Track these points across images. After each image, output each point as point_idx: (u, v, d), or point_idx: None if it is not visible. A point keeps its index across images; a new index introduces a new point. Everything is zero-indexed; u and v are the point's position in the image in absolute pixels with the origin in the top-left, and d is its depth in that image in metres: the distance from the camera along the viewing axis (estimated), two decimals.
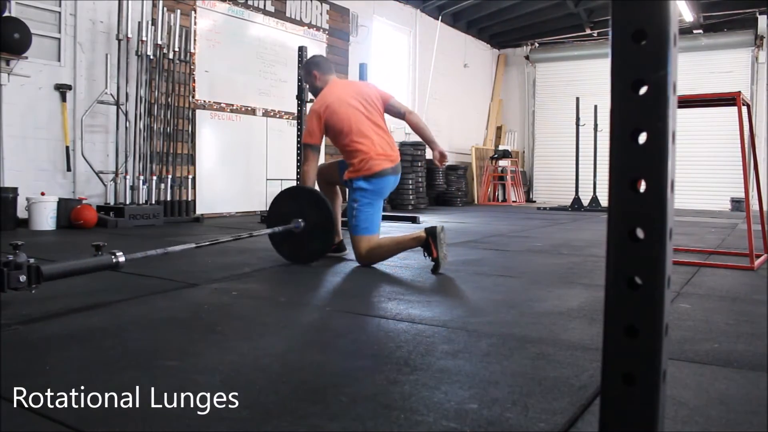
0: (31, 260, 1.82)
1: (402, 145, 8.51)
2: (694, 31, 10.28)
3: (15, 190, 4.55)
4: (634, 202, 0.58)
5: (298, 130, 5.50)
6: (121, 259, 2.07)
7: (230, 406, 1.14)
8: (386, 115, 3.21)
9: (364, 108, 3.07)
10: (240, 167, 6.67)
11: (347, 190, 3.18)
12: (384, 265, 3.04)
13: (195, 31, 6.06)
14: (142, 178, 5.40)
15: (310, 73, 3.27)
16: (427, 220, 6.09)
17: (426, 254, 2.82)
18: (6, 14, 4.55)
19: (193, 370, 1.35)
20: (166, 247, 2.42)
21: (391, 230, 5.06)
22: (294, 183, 5.74)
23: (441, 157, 3.16)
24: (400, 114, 3.19)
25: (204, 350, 1.52)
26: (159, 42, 5.54)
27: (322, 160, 7.74)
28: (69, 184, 5.16)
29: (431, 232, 2.78)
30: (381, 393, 1.22)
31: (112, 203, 5.28)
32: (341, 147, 3.10)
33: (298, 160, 5.51)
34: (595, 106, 9.01)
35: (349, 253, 3.33)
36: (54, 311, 1.92)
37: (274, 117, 7.08)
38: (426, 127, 3.20)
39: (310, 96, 5.48)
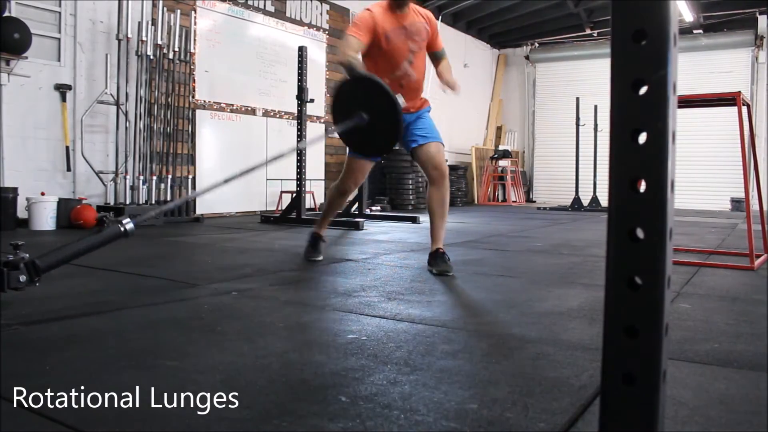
0: (26, 255, 1.80)
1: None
2: (694, 31, 10.28)
3: (15, 190, 4.55)
4: (634, 202, 0.58)
5: (298, 130, 5.49)
6: (129, 226, 1.96)
7: (230, 406, 1.14)
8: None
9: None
10: (240, 167, 6.65)
11: (422, 116, 3.06)
12: (384, 265, 3.04)
13: (195, 31, 6.06)
14: (142, 178, 5.40)
15: None
16: (427, 219, 6.07)
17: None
18: (6, 14, 4.55)
19: (193, 370, 1.35)
20: (187, 195, 2.28)
21: (391, 230, 5.06)
22: (294, 183, 5.74)
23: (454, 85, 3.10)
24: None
25: (204, 350, 1.52)
26: (159, 42, 5.54)
27: (321, 155, 7.77)
28: (69, 184, 5.16)
29: (446, 257, 2.81)
30: (381, 393, 1.22)
31: (112, 203, 5.28)
32: (424, 70, 3.03)
33: (298, 160, 5.50)
34: (595, 106, 9.01)
35: (348, 254, 3.33)
36: (54, 311, 1.92)
37: (274, 117, 7.08)
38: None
39: (310, 96, 5.48)
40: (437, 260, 2.81)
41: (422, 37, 2.92)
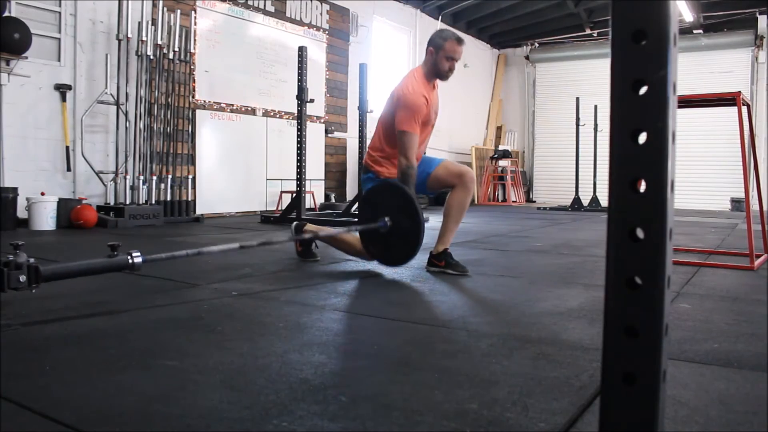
0: (31, 260, 1.81)
1: None
2: (694, 31, 10.28)
3: (15, 190, 4.55)
4: (634, 202, 0.58)
5: (298, 130, 5.49)
6: (138, 260, 1.93)
7: (230, 406, 1.14)
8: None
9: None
10: (240, 167, 6.68)
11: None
12: (384, 265, 3.04)
13: (195, 31, 6.06)
14: (142, 178, 5.40)
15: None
16: (427, 219, 6.07)
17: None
18: (6, 14, 4.55)
19: (193, 370, 1.35)
20: (200, 248, 2.21)
21: None
22: (294, 183, 5.74)
23: None
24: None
25: (204, 350, 1.52)
26: (159, 42, 5.54)
27: (321, 155, 7.77)
28: (69, 184, 5.17)
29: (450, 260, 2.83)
30: (381, 393, 1.22)
31: (112, 203, 5.28)
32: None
33: (298, 160, 5.50)
34: (595, 106, 9.02)
35: (349, 259, 3.33)
36: (54, 311, 1.92)
37: (274, 117, 7.08)
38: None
39: (310, 96, 5.47)
40: (452, 262, 2.81)
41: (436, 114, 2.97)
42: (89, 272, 1.93)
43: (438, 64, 2.87)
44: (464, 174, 2.82)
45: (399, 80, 2.94)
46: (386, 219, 2.71)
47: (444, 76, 2.91)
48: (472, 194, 2.90)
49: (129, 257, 1.92)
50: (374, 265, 3.02)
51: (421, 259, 3.19)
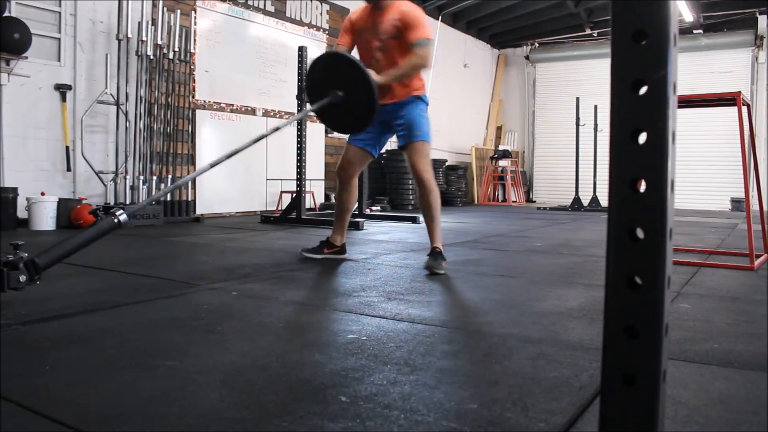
0: (24, 255, 1.81)
1: None
2: (694, 31, 10.28)
3: (15, 190, 4.55)
4: (634, 202, 0.58)
5: (298, 130, 5.50)
6: (123, 217, 1.96)
7: (230, 406, 1.14)
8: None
9: None
10: (240, 167, 6.67)
11: (409, 105, 2.97)
12: (384, 265, 3.04)
13: (195, 31, 6.06)
14: (142, 178, 5.40)
15: None
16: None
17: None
18: (6, 14, 4.55)
19: (193, 370, 1.35)
20: (176, 181, 2.27)
21: (391, 230, 5.06)
22: (294, 182, 5.74)
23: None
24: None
25: (204, 350, 1.52)
26: (159, 42, 5.54)
27: (321, 155, 7.77)
28: (69, 184, 5.17)
29: (438, 256, 2.84)
30: (381, 393, 1.22)
31: (112, 203, 5.28)
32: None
33: (298, 160, 5.50)
34: (595, 106, 9.02)
35: (348, 254, 3.33)
36: (54, 311, 1.92)
37: (274, 117, 7.08)
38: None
39: None
40: (429, 257, 2.86)
41: (390, 34, 2.92)
42: (83, 244, 1.92)
43: None
44: (418, 176, 2.93)
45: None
46: (337, 92, 2.73)
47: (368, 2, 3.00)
48: (431, 190, 2.94)
49: (114, 217, 1.94)
50: (374, 265, 3.02)
51: (420, 259, 3.19)
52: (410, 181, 8.43)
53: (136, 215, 5.11)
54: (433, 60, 2.96)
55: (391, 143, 8.21)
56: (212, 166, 2.34)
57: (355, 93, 2.69)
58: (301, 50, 5.42)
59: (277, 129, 2.67)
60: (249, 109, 6.78)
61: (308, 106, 2.90)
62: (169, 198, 5.65)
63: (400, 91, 2.96)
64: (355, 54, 3.00)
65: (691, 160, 9.81)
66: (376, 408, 1.14)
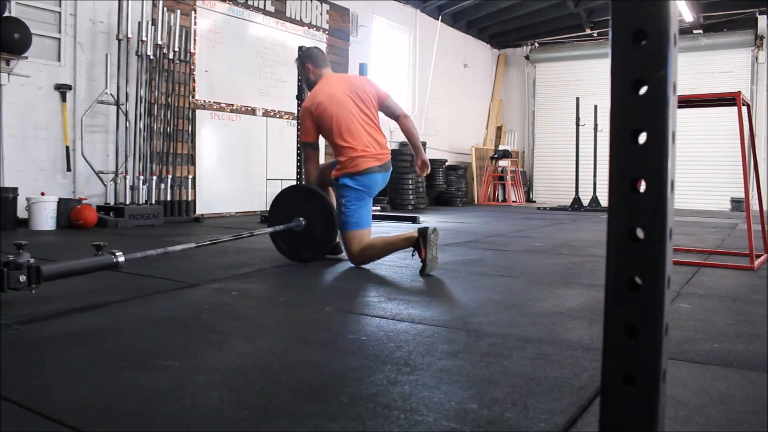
0: (32, 260, 1.82)
1: (402, 144, 8.51)
2: (694, 31, 10.28)
3: (15, 190, 4.55)
4: (634, 202, 0.58)
5: (298, 130, 5.49)
6: (121, 259, 2.08)
7: (230, 406, 1.14)
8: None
9: (356, 104, 3.05)
10: (240, 167, 6.68)
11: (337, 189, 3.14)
12: (384, 265, 3.04)
13: (195, 31, 6.06)
14: (142, 178, 5.40)
15: (303, 66, 3.28)
16: (427, 220, 6.09)
17: (414, 254, 2.82)
18: (6, 14, 4.55)
19: (193, 370, 1.35)
20: (166, 247, 2.43)
21: (391, 230, 5.06)
22: (294, 182, 5.74)
23: (423, 166, 3.15)
24: (394, 116, 3.18)
25: (204, 350, 1.52)
26: (159, 42, 5.54)
27: (322, 159, 7.76)
28: (69, 184, 5.17)
29: (422, 232, 2.75)
30: (381, 393, 1.22)
31: (112, 203, 5.28)
32: (331, 144, 3.08)
33: (298, 160, 5.50)
34: (595, 106, 9.02)
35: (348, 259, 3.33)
36: (54, 311, 1.92)
37: (274, 117, 7.08)
38: (416, 134, 3.19)
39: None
40: (422, 264, 2.79)
41: None
42: (84, 271, 2.01)
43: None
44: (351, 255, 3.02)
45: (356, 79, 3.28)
46: (301, 219, 3.03)
47: None
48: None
49: (113, 257, 2.08)
50: (373, 266, 3.02)
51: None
52: (410, 181, 8.44)
53: (135, 215, 5.11)
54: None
55: (391, 143, 8.22)
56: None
57: (315, 225, 2.99)
58: (301, 50, 5.41)
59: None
60: (249, 109, 6.78)
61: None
62: (169, 198, 5.65)
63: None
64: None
65: (691, 160, 9.81)
66: (376, 408, 1.14)
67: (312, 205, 3.03)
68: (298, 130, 5.50)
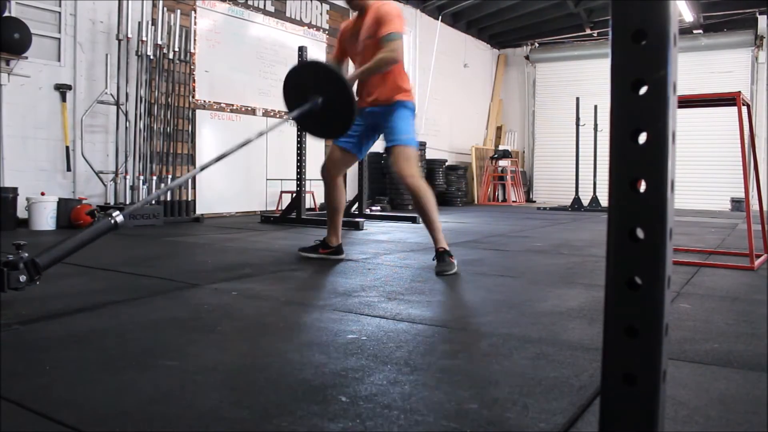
0: (25, 255, 1.82)
1: None
2: (694, 31, 10.28)
3: (15, 190, 4.55)
4: (634, 202, 0.58)
5: (298, 130, 5.50)
6: (119, 218, 2.00)
7: (230, 406, 1.14)
8: None
9: None
10: (240, 167, 6.67)
11: (393, 111, 2.96)
12: (384, 265, 3.04)
13: (195, 31, 6.06)
14: (142, 178, 5.40)
15: None
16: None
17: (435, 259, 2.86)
18: (6, 14, 4.55)
19: (193, 370, 1.35)
20: (167, 184, 2.39)
21: (391, 230, 5.06)
22: (294, 182, 5.74)
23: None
24: None
25: (204, 350, 1.52)
26: (159, 42, 5.54)
27: (321, 156, 7.76)
28: (69, 184, 5.17)
29: (446, 254, 2.82)
30: (381, 393, 1.22)
31: (112, 203, 5.28)
32: (399, 69, 2.97)
33: (298, 160, 5.50)
34: (595, 106, 9.01)
35: (348, 254, 3.33)
36: (54, 311, 1.92)
37: (274, 117, 7.08)
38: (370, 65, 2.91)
39: None
40: (437, 260, 2.83)
41: (368, 34, 2.94)
42: (82, 245, 1.96)
43: None
44: (404, 179, 2.88)
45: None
46: (317, 98, 2.72)
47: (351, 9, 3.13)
48: (421, 192, 2.88)
49: (110, 218, 2.00)
50: (374, 265, 3.02)
51: (420, 259, 3.19)
52: None
53: (135, 215, 5.11)
54: (403, 53, 2.92)
55: None
56: (202, 169, 2.40)
57: (332, 97, 2.69)
58: (301, 50, 5.42)
59: (248, 142, 2.63)
60: (249, 109, 6.78)
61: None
62: (169, 198, 5.65)
63: (384, 94, 2.96)
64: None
65: (691, 160, 9.81)
66: (376, 408, 1.14)
67: (322, 80, 2.76)
68: (298, 130, 5.51)
